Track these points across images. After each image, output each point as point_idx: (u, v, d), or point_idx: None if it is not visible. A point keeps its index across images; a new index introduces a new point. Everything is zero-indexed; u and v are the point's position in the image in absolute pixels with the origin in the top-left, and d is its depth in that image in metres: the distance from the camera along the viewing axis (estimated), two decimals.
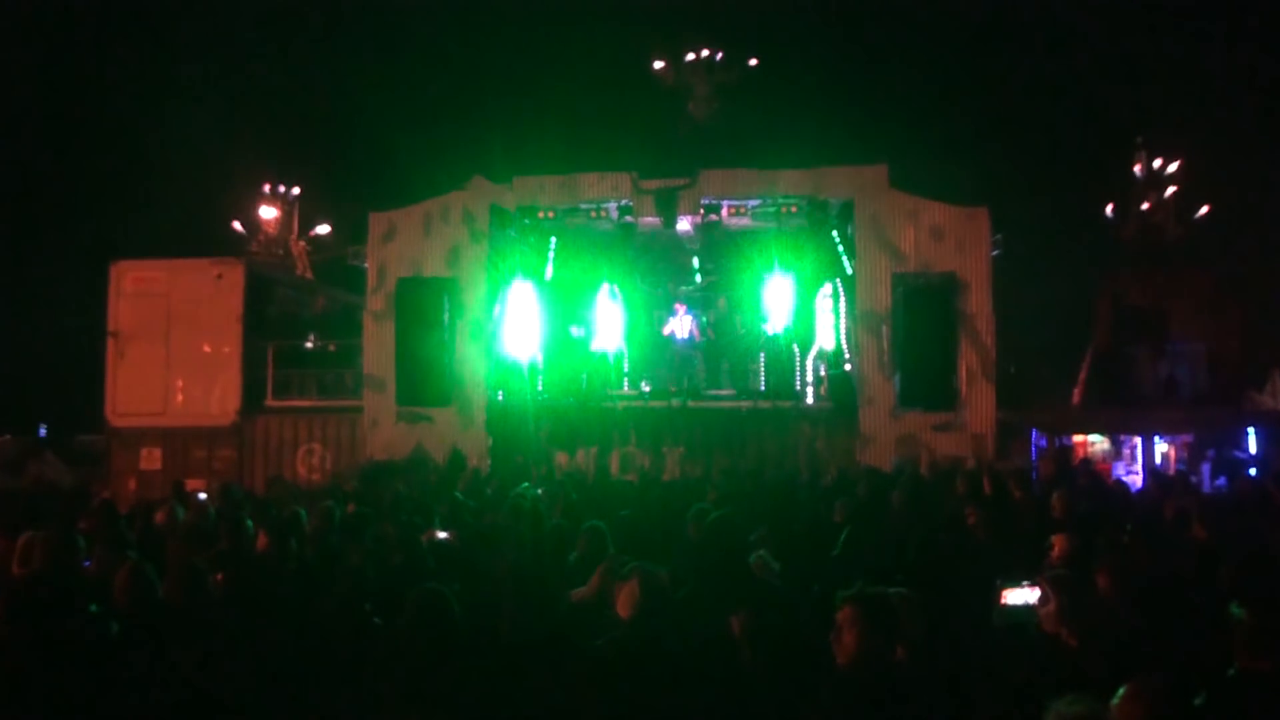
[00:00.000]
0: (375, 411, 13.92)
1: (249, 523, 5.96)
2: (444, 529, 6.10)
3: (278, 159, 27.47)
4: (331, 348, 15.98)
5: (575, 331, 15.89)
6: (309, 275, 23.48)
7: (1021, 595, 3.74)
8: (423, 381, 13.69)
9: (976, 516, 6.43)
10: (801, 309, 15.32)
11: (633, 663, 3.58)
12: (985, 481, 8.37)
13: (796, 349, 15.03)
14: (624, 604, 3.84)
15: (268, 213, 27.68)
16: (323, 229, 27.37)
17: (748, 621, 3.87)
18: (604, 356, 15.42)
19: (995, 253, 13.31)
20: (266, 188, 27.74)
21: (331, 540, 6.09)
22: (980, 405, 12.87)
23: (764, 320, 15.27)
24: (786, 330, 15.00)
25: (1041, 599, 3.72)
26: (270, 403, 15.28)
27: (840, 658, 3.25)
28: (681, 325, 15.57)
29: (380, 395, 13.89)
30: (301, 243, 26.69)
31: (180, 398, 15.38)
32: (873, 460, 12.27)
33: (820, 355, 14.93)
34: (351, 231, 16.07)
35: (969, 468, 10.93)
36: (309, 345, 15.99)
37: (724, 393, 15.19)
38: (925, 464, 11.69)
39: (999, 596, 3.75)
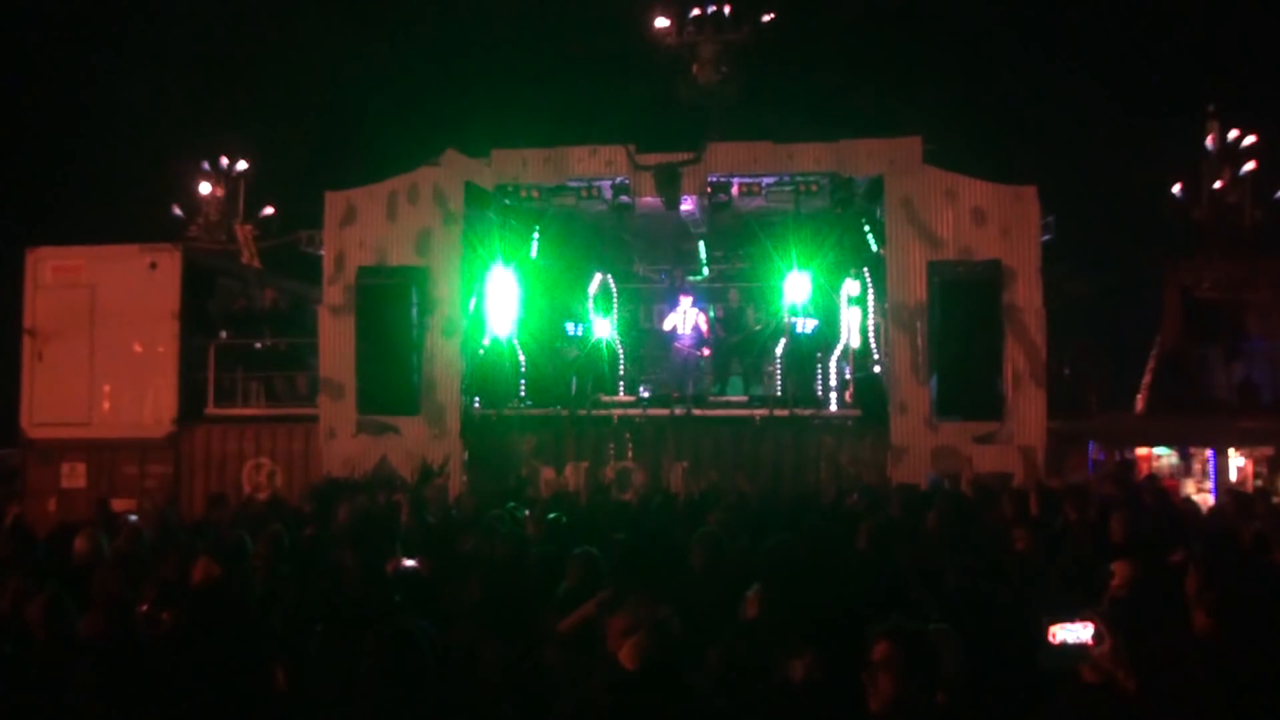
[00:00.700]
0: (333, 421, 13.93)
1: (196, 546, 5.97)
2: (412, 556, 6.11)
3: (220, 129, 27.52)
4: (282, 347, 15.96)
5: (570, 329, 15.93)
6: (256, 264, 23.46)
7: (1072, 632, 3.75)
8: (388, 386, 13.70)
9: (1025, 541, 6.44)
10: (824, 303, 15.32)
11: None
12: (1035, 501, 8.38)
13: (818, 348, 15.05)
14: (629, 655, 3.86)
15: (209, 192, 27.69)
16: (272, 210, 27.39)
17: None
18: (597, 357, 15.44)
19: (1046, 238, 13.34)
20: (207, 163, 27.76)
21: (282, 570, 6.10)
22: (1029, 414, 12.90)
23: (780, 315, 15.28)
24: (807, 327, 15.01)
25: (1095, 637, 3.73)
26: (211, 411, 15.28)
27: (874, 702, 3.26)
28: (685, 320, 15.58)
29: (338, 402, 13.90)
30: (248, 226, 26.66)
31: (107, 405, 15.37)
32: (906, 476, 12.29)
33: (845, 356, 14.95)
34: (305, 213, 16.03)
35: (1016, 485, 10.93)
36: (257, 345, 15.98)
37: (734, 399, 15.21)
38: (966, 481, 11.70)
39: (1047, 634, 3.76)
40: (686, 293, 15.97)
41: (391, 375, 13.69)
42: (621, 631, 3.92)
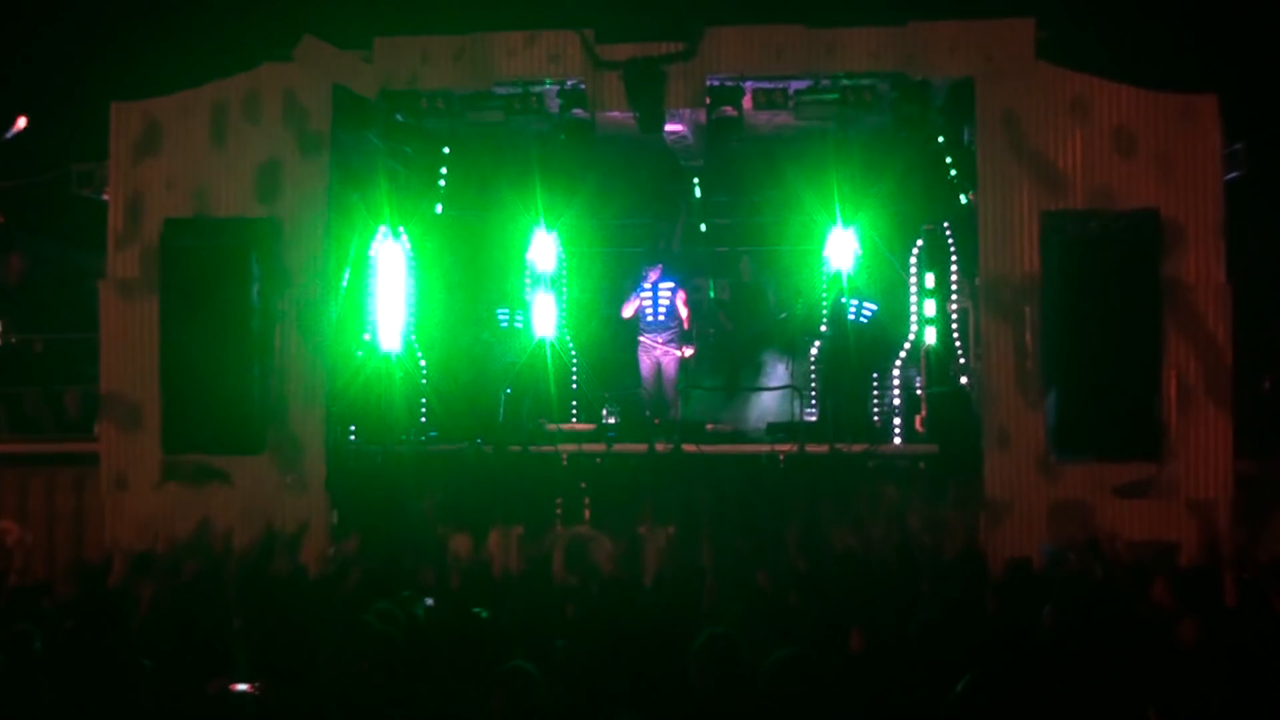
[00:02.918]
0: (123, 462, 13.86)
1: None
2: (246, 676, 6.11)
3: None
4: (38, 347, 15.87)
5: (500, 319, 15.94)
6: None
7: None
8: (213, 408, 13.61)
9: (1198, 643, 6.49)
10: (882, 276, 15.39)
11: None
12: (1214, 584, 8.44)
13: (875, 349, 15.13)
14: None
15: None
16: (22, 126, 27.24)
17: None
18: (539, 360, 15.46)
19: (1232, 175, 13.39)
20: None
21: (41, 695, 6.06)
22: (1205, 450, 12.95)
23: (817, 297, 15.37)
24: (861, 313, 15.08)
25: None
26: None
27: None
28: (656, 302, 15.62)
29: (132, 433, 13.83)
30: None
31: None
32: (1009, 547, 12.35)
33: (915, 360, 15.02)
34: (78, 136, 15.93)
35: (1183, 562, 11.00)
36: None
37: (747, 427, 15.28)
38: (1103, 555, 11.80)
39: None
40: (665, 266, 15.95)
41: (219, 391, 13.60)
42: None
